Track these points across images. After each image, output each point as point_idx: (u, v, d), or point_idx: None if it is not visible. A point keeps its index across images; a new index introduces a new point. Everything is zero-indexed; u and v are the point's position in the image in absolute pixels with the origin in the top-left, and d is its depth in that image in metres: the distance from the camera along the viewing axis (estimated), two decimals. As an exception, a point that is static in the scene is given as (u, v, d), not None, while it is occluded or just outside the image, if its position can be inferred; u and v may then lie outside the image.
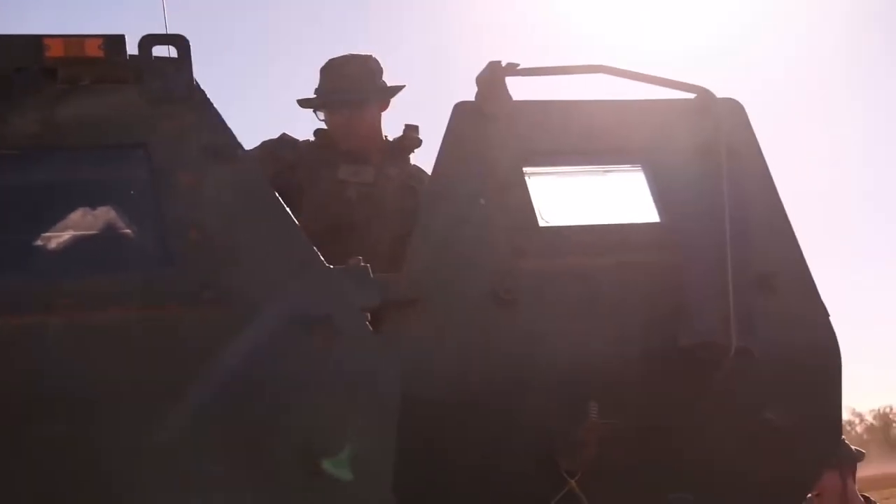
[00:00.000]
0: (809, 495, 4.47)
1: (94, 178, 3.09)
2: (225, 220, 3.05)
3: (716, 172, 3.40)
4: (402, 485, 3.00)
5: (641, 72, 3.51)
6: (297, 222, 3.16)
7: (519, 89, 3.47)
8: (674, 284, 3.31)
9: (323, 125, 4.29)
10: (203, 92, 3.14)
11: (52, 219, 2.97)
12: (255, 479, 2.90)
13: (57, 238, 2.95)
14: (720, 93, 3.58)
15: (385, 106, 4.31)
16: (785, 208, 3.58)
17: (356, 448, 2.93)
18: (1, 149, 3.00)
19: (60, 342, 2.83)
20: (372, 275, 3.13)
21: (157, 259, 2.98)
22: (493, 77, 3.41)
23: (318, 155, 4.22)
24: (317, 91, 4.27)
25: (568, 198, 3.49)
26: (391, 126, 4.33)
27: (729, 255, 3.30)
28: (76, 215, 2.99)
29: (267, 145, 4.22)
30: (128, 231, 3.02)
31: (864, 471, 5.54)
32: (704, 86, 3.54)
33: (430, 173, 3.73)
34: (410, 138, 4.29)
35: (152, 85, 3.10)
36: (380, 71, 4.29)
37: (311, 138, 4.31)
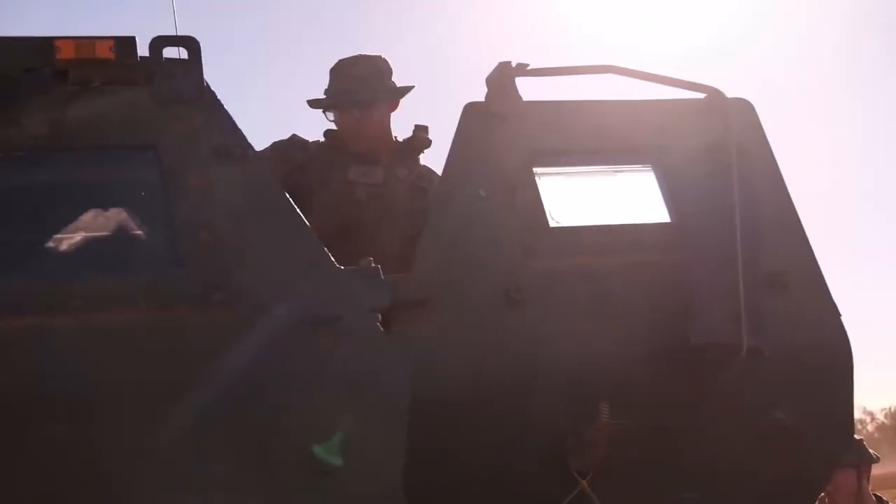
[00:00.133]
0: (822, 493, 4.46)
1: (105, 180, 3.10)
2: (235, 222, 3.05)
3: (726, 172, 3.40)
4: (412, 485, 3.00)
5: (649, 72, 3.51)
6: (307, 223, 3.16)
7: (524, 90, 3.48)
8: (684, 284, 3.31)
9: (333, 126, 4.29)
10: (213, 93, 3.15)
11: (62, 220, 2.98)
12: (266, 480, 2.90)
13: (67, 239, 2.96)
14: (721, 93, 3.58)
15: (394, 106, 4.30)
16: (796, 208, 3.58)
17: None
18: (12, 150, 3.01)
19: (71, 343, 2.84)
20: (382, 275, 3.14)
21: (168, 260, 2.99)
22: (502, 77, 3.41)
23: (329, 156, 4.22)
24: (326, 92, 4.26)
25: (578, 198, 3.49)
26: (400, 127, 4.33)
27: (739, 254, 3.29)
28: (86, 217, 2.99)
29: (277, 146, 4.21)
30: (138, 232, 3.03)
31: (874, 469, 5.52)
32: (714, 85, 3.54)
33: (439, 173, 3.73)
34: (420, 139, 4.28)
35: (163, 86, 3.11)
36: (389, 71, 4.29)
37: (321, 139, 4.31)
